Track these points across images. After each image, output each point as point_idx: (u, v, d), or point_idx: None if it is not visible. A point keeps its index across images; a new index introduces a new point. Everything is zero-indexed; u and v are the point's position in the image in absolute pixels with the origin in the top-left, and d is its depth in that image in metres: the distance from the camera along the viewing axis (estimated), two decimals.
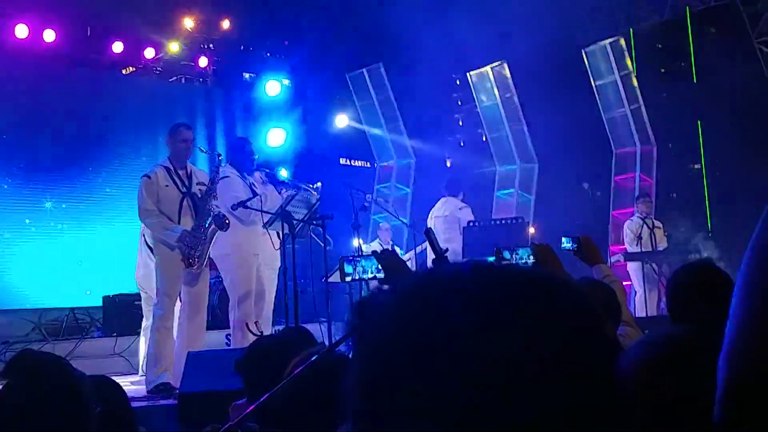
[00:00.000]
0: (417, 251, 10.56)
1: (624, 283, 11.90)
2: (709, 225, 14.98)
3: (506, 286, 0.80)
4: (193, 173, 7.06)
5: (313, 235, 7.65)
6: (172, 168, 6.95)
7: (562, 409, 0.74)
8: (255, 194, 7.32)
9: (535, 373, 0.74)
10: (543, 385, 0.74)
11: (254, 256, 7.34)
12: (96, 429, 1.73)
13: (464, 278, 0.81)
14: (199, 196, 6.92)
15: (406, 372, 0.76)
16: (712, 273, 3.12)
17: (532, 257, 3.65)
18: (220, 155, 7.42)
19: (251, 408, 2.61)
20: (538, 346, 0.75)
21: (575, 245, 3.86)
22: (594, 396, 0.76)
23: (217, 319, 10.05)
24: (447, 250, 3.11)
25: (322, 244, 7.58)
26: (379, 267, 3.21)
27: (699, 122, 15.26)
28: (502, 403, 0.73)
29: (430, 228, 3.11)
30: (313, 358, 2.18)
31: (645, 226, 11.23)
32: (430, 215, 10.45)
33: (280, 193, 7.53)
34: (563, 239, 3.93)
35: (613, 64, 13.44)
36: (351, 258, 3.36)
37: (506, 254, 4.26)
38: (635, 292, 11.41)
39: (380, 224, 10.15)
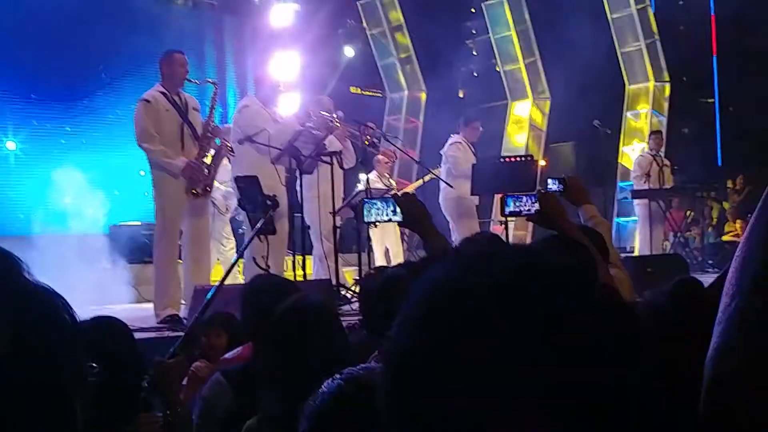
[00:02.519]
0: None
1: (627, 219, 11.94)
2: (719, 161, 14.93)
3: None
4: (186, 100, 6.88)
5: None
6: (168, 93, 6.75)
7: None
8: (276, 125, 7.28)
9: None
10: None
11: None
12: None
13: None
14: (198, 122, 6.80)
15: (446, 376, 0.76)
16: None
17: (536, 204, 3.64)
18: (216, 83, 7.21)
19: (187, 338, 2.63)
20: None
21: (561, 186, 3.82)
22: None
23: None
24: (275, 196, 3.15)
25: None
26: (396, 210, 3.22)
27: (714, 56, 15.07)
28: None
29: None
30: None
31: (654, 162, 11.11)
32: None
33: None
34: (548, 181, 3.90)
35: None
36: (369, 200, 3.34)
37: (509, 202, 4.34)
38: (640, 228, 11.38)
39: (377, 156, 10.16)
